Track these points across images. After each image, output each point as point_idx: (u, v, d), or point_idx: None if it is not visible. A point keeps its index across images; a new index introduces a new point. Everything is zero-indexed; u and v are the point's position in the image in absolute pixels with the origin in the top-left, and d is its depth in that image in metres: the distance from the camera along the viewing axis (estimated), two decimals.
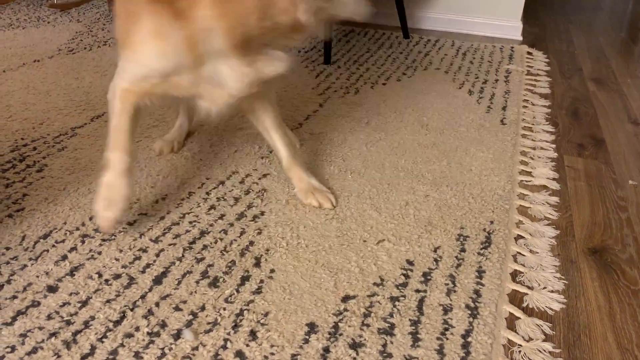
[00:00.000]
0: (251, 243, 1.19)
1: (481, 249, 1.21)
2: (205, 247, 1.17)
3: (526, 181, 1.51)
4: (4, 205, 1.28)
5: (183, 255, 1.14)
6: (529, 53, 2.74)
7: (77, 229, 1.21)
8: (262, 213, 1.30)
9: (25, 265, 1.09)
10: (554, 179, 1.53)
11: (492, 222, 1.31)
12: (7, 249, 1.14)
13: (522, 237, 1.26)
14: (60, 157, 1.52)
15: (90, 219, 1.25)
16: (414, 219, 1.31)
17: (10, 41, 2.56)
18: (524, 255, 1.20)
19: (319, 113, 1.89)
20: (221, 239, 1.20)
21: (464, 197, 1.41)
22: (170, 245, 1.17)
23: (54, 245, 1.15)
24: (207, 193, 1.38)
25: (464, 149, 1.67)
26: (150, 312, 0.99)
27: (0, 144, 1.57)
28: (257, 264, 1.13)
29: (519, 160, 1.62)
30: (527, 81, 2.31)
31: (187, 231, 1.22)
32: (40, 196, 1.32)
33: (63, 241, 1.17)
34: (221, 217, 1.28)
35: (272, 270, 1.11)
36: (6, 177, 1.40)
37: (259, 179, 1.46)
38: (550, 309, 1.06)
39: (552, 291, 1.10)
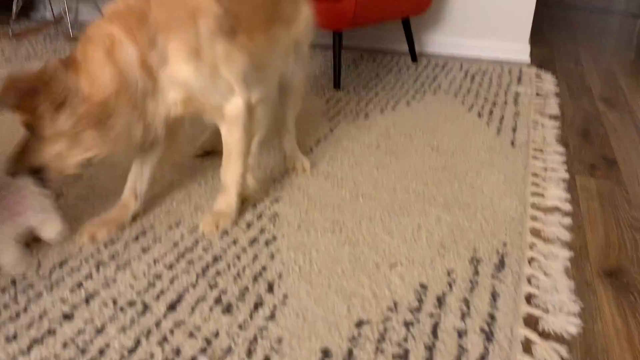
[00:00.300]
0: (264, 268, 1.20)
1: (495, 271, 1.20)
2: (218, 273, 1.18)
3: (538, 203, 1.51)
4: None
5: (197, 282, 1.15)
6: (537, 75, 2.75)
7: (92, 256, 1.22)
8: (275, 238, 1.31)
9: (41, 293, 1.10)
10: (566, 200, 1.52)
11: (505, 245, 1.30)
12: (24, 277, 1.15)
13: (536, 260, 1.26)
14: (76, 185, 1.54)
15: (105, 246, 1.26)
16: (427, 242, 1.31)
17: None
18: (538, 277, 1.19)
19: (329, 137, 1.91)
20: (234, 265, 1.21)
21: (476, 220, 1.40)
22: (184, 271, 1.18)
23: (69, 273, 1.16)
24: None
25: (475, 171, 1.67)
26: (164, 339, 0.99)
27: None
28: (270, 289, 1.13)
29: (530, 182, 1.62)
30: (536, 103, 2.32)
31: (201, 257, 1.23)
32: None
33: (78, 269, 1.18)
34: (234, 242, 1.29)
35: (285, 296, 1.11)
36: None
37: (271, 203, 1.47)
38: (567, 332, 1.05)
39: (568, 314, 1.09)
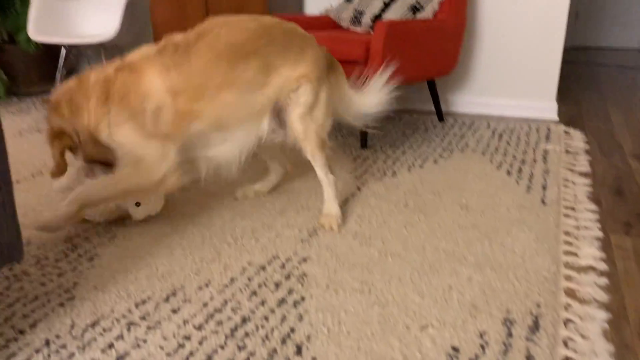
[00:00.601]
0: (292, 330, 1.19)
1: (529, 333, 1.17)
2: (247, 334, 1.18)
3: (572, 262, 1.47)
4: (56, 294, 1.33)
5: (225, 343, 1.15)
6: (566, 132, 2.74)
7: (124, 316, 1.24)
8: (303, 298, 1.31)
9: (73, 354, 1.11)
10: (601, 259, 1.48)
11: (539, 305, 1.27)
12: (57, 337, 1.17)
13: (572, 321, 1.22)
14: (110, 245, 1.58)
15: (137, 306, 1.28)
16: (458, 303, 1.28)
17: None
18: (575, 340, 1.15)
19: (357, 196, 1.92)
20: (262, 326, 1.20)
21: (509, 280, 1.38)
22: (213, 332, 1.18)
23: (101, 333, 1.18)
24: (249, 279, 1.40)
25: (506, 229, 1.66)
26: None
27: (54, 235, 1.65)
28: (299, 351, 1.12)
29: (563, 241, 1.59)
30: (566, 160, 2.30)
31: (230, 318, 1.23)
32: (90, 285, 1.37)
33: (110, 329, 1.19)
34: (262, 303, 1.29)
35: (314, 359, 1.10)
36: (59, 266, 1.46)
37: (299, 263, 1.47)
38: None
39: None
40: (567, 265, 1.46)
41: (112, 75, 1.57)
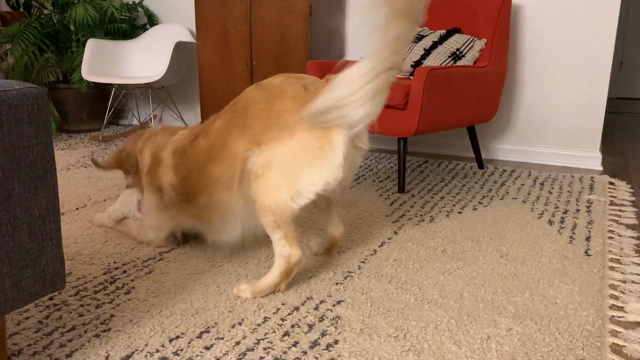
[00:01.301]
0: None
1: None
2: None
3: (618, 317, 1.41)
4: (93, 325, 1.34)
5: None
6: (610, 183, 2.67)
7: (157, 350, 1.24)
8: (336, 342, 1.29)
9: None
10: None
11: None
12: None
13: None
14: (147, 279, 1.60)
15: (170, 341, 1.28)
16: (497, 354, 1.24)
17: (112, 173, 2.84)
18: None
19: (393, 240, 1.90)
20: None
21: (550, 332, 1.32)
22: None
23: None
24: (282, 319, 1.38)
25: (547, 280, 1.60)
26: None
27: (94, 267, 1.68)
28: None
29: (608, 294, 1.52)
30: (610, 211, 2.24)
31: (262, 358, 1.22)
32: (126, 317, 1.38)
33: None
34: (295, 344, 1.28)
35: None
36: (97, 298, 1.49)
37: (333, 305, 1.45)
38: None
39: None
40: (613, 320, 1.39)
41: (163, 143, 1.78)
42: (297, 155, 1.43)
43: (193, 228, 1.77)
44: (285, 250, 1.48)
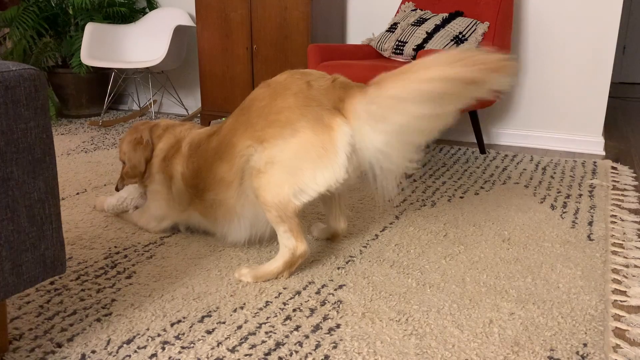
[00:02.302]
0: (326, 357, 1.16)
1: None
2: (280, 359, 1.16)
3: (621, 301, 1.40)
4: (94, 310, 1.34)
5: None
6: (613, 168, 2.66)
7: (159, 335, 1.24)
8: (338, 326, 1.28)
9: None
10: None
11: (585, 345, 1.21)
12: (93, 352, 1.17)
13: None
14: (149, 264, 1.59)
15: (172, 325, 1.28)
16: (499, 338, 1.24)
17: (112, 158, 2.83)
18: None
19: (395, 225, 1.89)
20: (296, 352, 1.18)
21: (553, 317, 1.32)
22: (246, 355, 1.17)
23: (136, 351, 1.18)
24: (284, 303, 1.38)
25: (550, 265, 1.60)
26: None
27: (95, 251, 1.68)
28: None
29: (610, 279, 1.52)
30: (613, 196, 2.23)
31: (263, 342, 1.22)
32: (127, 302, 1.38)
33: (145, 347, 1.19)
34: (297, 328, 1.27)
35: None
36: (98, 282, 1.48)
37: (335, 290, 1.45)
38: None
39: None
40: (616, 305, 1.39)
41: (183, 135, 1.76)
42: (300, 153, 1.41)
43: (200, 225, 1.76)
44: (290, 243, 1.48)
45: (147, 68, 3.71)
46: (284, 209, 1.44)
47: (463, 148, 3.06)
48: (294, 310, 1.35)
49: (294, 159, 1.42)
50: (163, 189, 1.75)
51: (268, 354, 1.17)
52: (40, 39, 3.95)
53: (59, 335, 1.23)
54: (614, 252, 1.69)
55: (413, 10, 3.03)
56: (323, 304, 1.38)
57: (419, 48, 2.77)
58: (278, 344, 1.21)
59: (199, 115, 3.94)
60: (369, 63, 2.57)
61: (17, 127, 0.98)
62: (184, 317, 1.31)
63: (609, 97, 3.08)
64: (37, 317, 1.31)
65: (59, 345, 1.20)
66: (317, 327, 1.28)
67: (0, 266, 0.99)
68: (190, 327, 1.27)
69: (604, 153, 2.97)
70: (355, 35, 3.53)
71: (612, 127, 3.68)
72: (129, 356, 1.16)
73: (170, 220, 1.79)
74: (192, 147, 1.69)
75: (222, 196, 1.59)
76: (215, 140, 1.62)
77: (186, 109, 4.16)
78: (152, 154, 1.80)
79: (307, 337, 1.24)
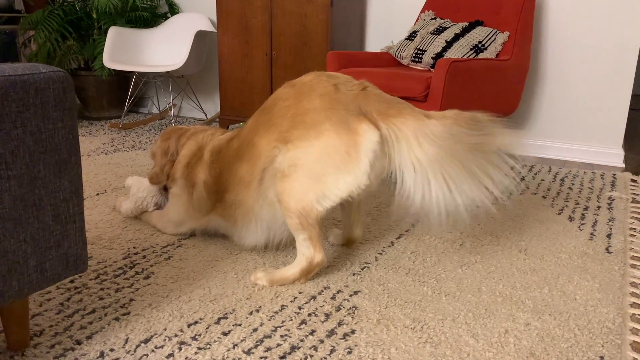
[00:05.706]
0: None
1: None
2: None
3: (639, 315, 1.39)
4: (113, 309, 1.36)
5: None
6: (633, 180, 2.63)
7: (176, 335, 1.26)
8: (353, 331, 1.29)
9: None
10: None
11: (602, 358, 1.20)
12: (112, 350, 1.19)
13: None
14: (166, 265, 1.61)
15: (189, 326, 1.29)
16: (515, 348, 1.23)
17: (132, 160, 2.86)
18: None
19: (411, 232, 1.89)
20: (311, 356, 1.19)
21: (569, 328, 1.31)
22: (261, 358, 1.18)
23: (153, 350, 1.20)
24: (299, 307, 1.39)
25: (567, 276, 1.59)
26: None
27: (114, 251, 1.71)
28: None
29: (629, 292, 1.50)
30: (632, 209, 2.20)
31: (279, 345, 1.23)
32: (145, 302, 1.40)
33: (162, 347, 1.21)
34: (312, 332, 1.28)
35: None
36: (117, 282, 1.51)
37: (350, 295, 1.45)
38: None
39: None
40: (634, 318, 1.38)
41: (205, 142, 1.78)
42: (324, 157, 1.41)
43: (219, 228, 1.77)
44: (309, 252, 1.49)
45: (168, 72, 3.75)
46: (306, 215, 1.44)
47: None
48: (309, 314, 1.36)
49: (317, 162, 1.41)
50: (184, 194, 1.77)
51: (283, 357, 1.18)
52: (64, 41, 4.03)
53: (78, 333, 1.25)
54: (633, 266, 1.67)
55: (433, 18, 3.04)
56: (338, 309, 1.39)
57: (438, 56, 2.77)
58: (293, 348, 1.22)
59: (217, 119, 3.98)
60: (387, 71, 2.58)
61: (45, 128, 1.00)
62: (200, 319, 1.33)
63: (630, 109, 3.05)
64: (58, 315, 1.33)
65: (78, 343, 1.22)
66: (332, 332, 1.28)
67: (25, 263, 1.01)
68: (207, 328, 1.29)
69: (623, 165, 2.94)
70: (374, 42, 3.55)
71: (633, 139, 3.64)
72: (147, 355, 1.18)
73: (187, 227, 1.81)
74: (214, 153, 1.70)
75: (242, 196, 1.60)
76: (235, 142, 1.63)
77: (205, 113, 4.20)
78: (173, 164, 1.84)
79: (322, 341, 1.24)
